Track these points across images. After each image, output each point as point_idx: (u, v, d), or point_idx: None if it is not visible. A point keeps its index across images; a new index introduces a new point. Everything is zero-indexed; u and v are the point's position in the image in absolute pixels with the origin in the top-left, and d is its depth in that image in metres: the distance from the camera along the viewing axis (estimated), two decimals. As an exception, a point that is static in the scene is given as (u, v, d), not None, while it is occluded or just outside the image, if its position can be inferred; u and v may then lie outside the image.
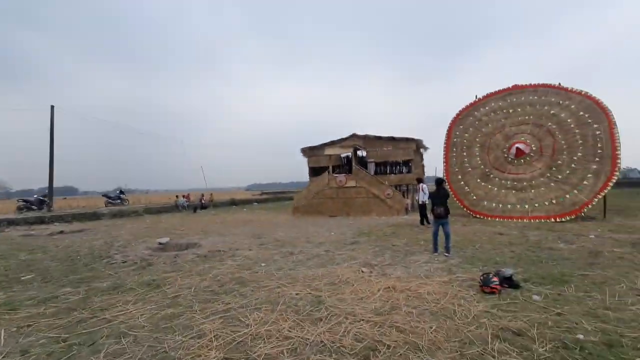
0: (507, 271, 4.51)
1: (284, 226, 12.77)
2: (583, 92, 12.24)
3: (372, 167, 18.15)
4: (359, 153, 20.34)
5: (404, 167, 19.63)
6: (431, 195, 6.81)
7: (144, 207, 23.02)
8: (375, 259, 6.47)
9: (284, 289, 4.74)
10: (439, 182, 6.82)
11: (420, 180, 11.11)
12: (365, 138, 18.13)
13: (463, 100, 14.68)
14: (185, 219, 17.50)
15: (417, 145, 17.74)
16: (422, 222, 10.86)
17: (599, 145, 11.19)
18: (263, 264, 6.38)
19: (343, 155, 19.94)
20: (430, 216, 10.49)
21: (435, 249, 6.76)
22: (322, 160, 19.04)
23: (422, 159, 20.59)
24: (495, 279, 4.22)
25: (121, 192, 27.96)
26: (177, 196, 25.25)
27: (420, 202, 10.91)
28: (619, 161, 10.68)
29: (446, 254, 6.54)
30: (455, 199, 13.85)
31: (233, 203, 29.16)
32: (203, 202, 25.63)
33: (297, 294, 4.50)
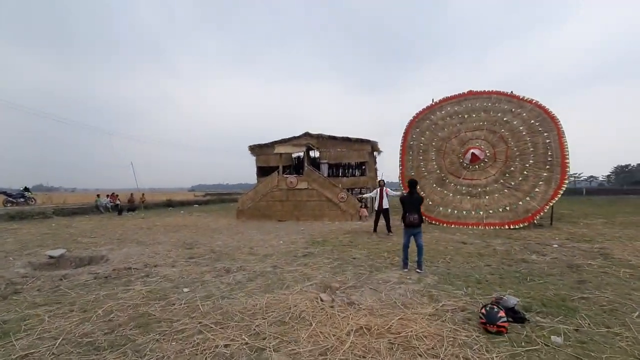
0: (510, 300, 3.49)
1: (224, 232, 10.93)
2: (534, 101, 12.44)
3: (324, 169, 17.02)
4: (312, 154, 19.13)
5: (357, 170, 18.87)
6: (403, 200, 5.72)
7: (55, 208, 19.14)
8: (335, 278, 5.16)
9: (208, 336, 3.17)
10: (412, 184, 5.76)
11: (382, 183, 10.13)
12: (319, 137, 16.95)
13: (407, 110, 14.05)
14: (104, 223, 14.59)
15: (372, 147, 17.03)
16: (389, 230, 9.88)
17: (549, 153, 11.32)
18: (186, 290, 4.68)
19: (294, 155, 18.53)
20: (376, 225, 9.53)
21: (405, 265, 5.67)
22: (272, 160, 17.42)
23: (375, 162, 20.05)
24: (501, 313, 3.15)
25: (26, 189, 23.17)
26: (98, 195, 21.55)
27: (384, 207, 9.91)
28: (568, 169, 10.85)
29: (418, 270, 5.48)
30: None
31: (169, 205, 26.00)
32: (131, 203, 22.30)
33: (227, 346, 2.97)
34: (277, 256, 6.98)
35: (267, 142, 17.67)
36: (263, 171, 17.71)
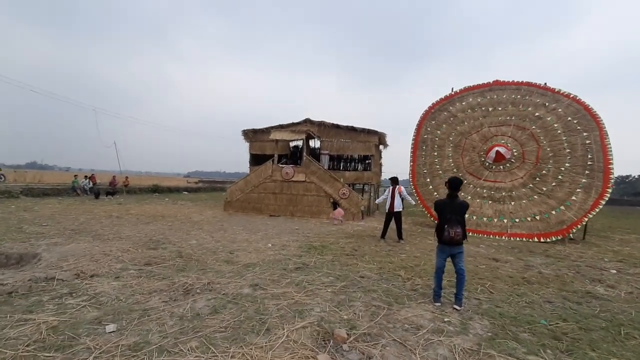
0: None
1: (204, 228, 9.27)
2: (571, 95, 10.78)
3: (325, 160, 15.32)
4: (312, 143, 17.41)
5: (361, 164, 17.19)
6: (441, 206, 4.06)
7: (23, 188, 17.34)
8: (340, 315, 3.53)
9: None
10: (454, 184, 4.07)
11: (396, 182, 8.49)
12: (321, 125, 15.22)
13: (410, 107, 12.12)
14: (72, 207, 12.86)
15: (379, 140, 15.34)
16: (400, 237, 8.28)
17: (589, 156, 9.71)
18: (110, 328, 3.02)
19: (293, 143, 16.80)
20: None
21: (438, 296, 4.04)
22: (268, 147, 15.67)
23: (381, 157, 18.36)
24: None
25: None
26: (75, 176, 19.72)
27: (396, 210, 8.27)
28: (612, 176, 9.25)
29: (456, 307, 3.86)
30: (421, 205, 11.67)
31: (155, 190, 24.22)
32: (113, 186, 20.54)
33: None
34: (262, 267, 5.34)
35: (263, 127, 15.93)
36: (257, 159, 15.99)
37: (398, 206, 8.26)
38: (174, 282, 4.40)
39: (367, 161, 16.01)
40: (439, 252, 4.09)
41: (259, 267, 5.37)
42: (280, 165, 13.57)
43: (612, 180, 9.22)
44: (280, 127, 15.07)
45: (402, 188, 8.50)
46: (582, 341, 3.17)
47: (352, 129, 15.03)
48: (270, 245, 7.29)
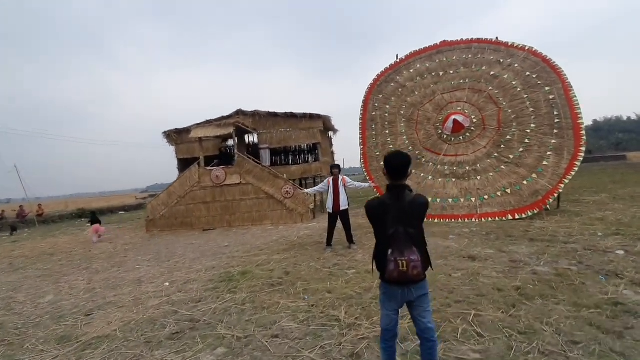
0: None
1: (95, 265, 6.84)
2: (527, 47, 9.49)
3: (266, 156, 13.21)
4: (250, 139, 15.18)
5: (311, 155, 15.26)
6: (376, 212, 2.14)
7: None
8: None
9: None
10: (395, 166, 2.14)
11: (337, 169, 6.58)
12: (255, 116, 13.06)
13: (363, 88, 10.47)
14: None
15: (324, 125, 13.45)
16: (350, 241, 6.42)
17: (555, 112, 8.45)
18: None
19: (229, 142, 14.47)
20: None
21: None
22: (197, 149, 13.21)
23: (331, 145, 16.55)
24: None
25: None
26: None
27: (342, 209, 6.35)
28: (582, 132, 8.04)
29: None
30: (377, 193, 9.94)
31: (81, 215, 20.64)
32: (22, 217, 16.99)
33: None
34: (114, 343, 3.19)
35: (187, 126, 13.42)
36: (187, 164, 13.48)
37: (344, 203, 6.36)
38: None
39: (315, 151, 14.10)
40: (383, 298, 2.17)
41: (107, 344, 3.21)
42: (209, 169, 11.22)
43: (584, 138, 8.00)
44: (207, 123, 12.64)
45: (347, 178, 6.60)
46: None
47: (292, 116, 13.03)
48: (167, 284, 5.12)
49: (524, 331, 2.76)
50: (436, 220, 8.42)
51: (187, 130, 13.33)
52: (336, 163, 6.86)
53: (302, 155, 15.96)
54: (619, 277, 3.74)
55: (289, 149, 15.48)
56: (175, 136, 13.64)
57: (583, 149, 7.90)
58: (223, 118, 12.88)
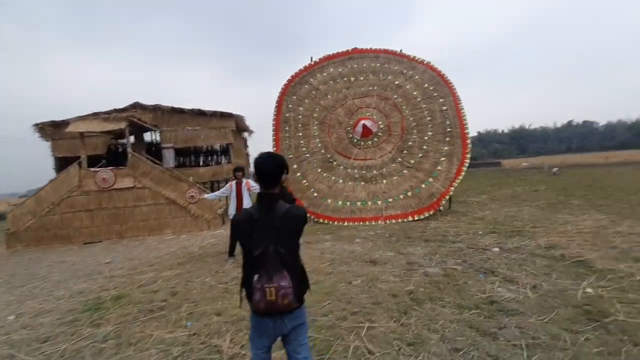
0: None
1: None
2: (425, 62, 10.38)
3: (170, 156, 11.82)
4: (153, 137, 13.49)
5: (224, 156, 14.27)
6: (242, 229, 1.76)
7: None
8: None
9: None
10: (264, 172, 1.77)
11: (240, 171, 6.03)
12: (157, 111, 11.59)
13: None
14: None
15: (237, 125, 12.69)
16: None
17: (447, 122, 9.36)
18: None
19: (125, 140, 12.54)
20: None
21: None
22: (80, 146, 11.07)
23: (246, 146, 15.79)
24: None
25: None
26: None
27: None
28: (469, 141, 9.07)
29: None
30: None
31: None
32: None
33: None
34: None
35: (67, 118, 11.19)
36: (68, 164, 11.20)
37: (248, 205, 5.86)
38: None
39: (227, 152, 13.21)
40: (252, 334, 1.80)
41: None
42: (93, 170, 9.46)
43: (470, 146, 9.05)
44: (93, 116, 10.69)
45: (252, 182, 6.12)
46: None
47: (201, 113, 11.95)
48: (12, 317, 3.94)
49: (412, 342, 2.71)
50: (345, 224, 8.54)
51: (66, 124, 11.08)
52: (240, 165, 6.32)
53: (215, 157, 14.88)
54: (494, 275, 4.09)
55: (199, 149, 14.26)
56: (51, 130, 11.23)
57: (469, 155, 8.92)
58: (115, 111, 11.07)
